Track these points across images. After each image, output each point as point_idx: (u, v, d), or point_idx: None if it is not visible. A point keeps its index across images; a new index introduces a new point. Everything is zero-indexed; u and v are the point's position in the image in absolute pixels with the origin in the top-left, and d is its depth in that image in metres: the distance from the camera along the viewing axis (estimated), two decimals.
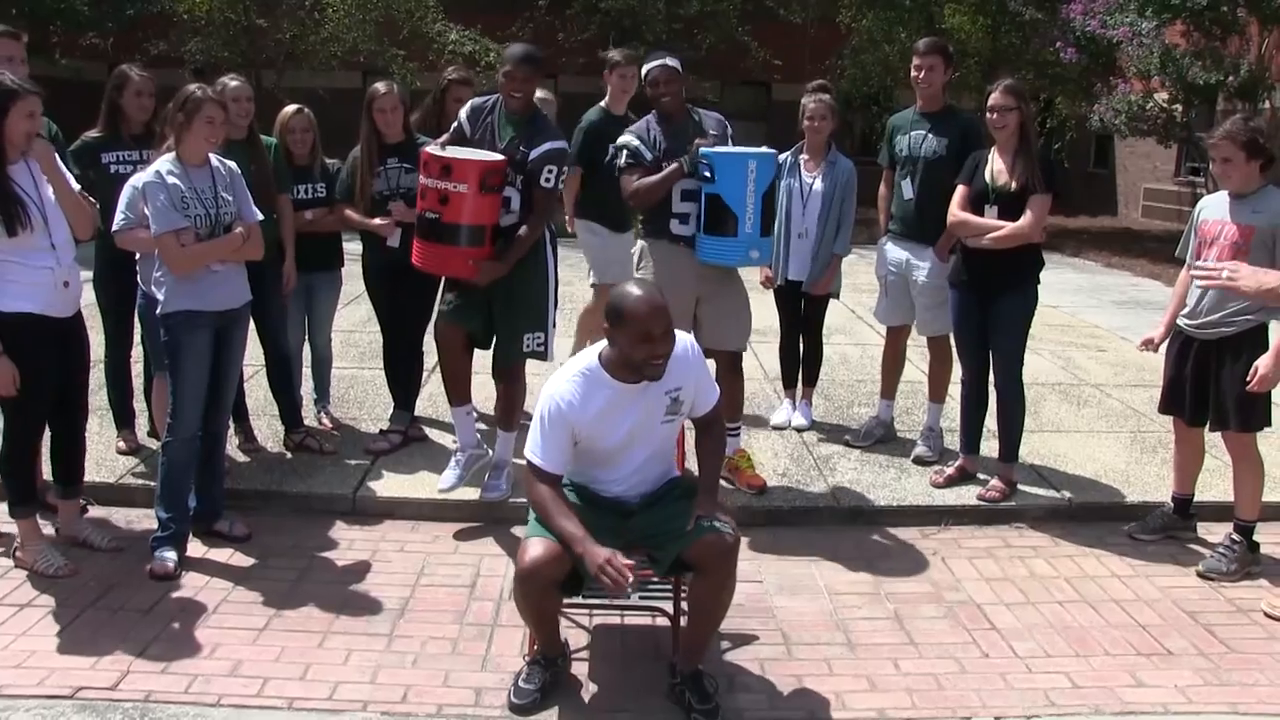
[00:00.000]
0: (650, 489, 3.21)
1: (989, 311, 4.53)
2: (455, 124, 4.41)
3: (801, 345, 5.55)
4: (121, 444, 4.85)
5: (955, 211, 4.51)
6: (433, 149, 4.17)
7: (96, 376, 4.76)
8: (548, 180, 4.21)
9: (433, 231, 4.12)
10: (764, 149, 4.41)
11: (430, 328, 4.83)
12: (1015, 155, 4.39)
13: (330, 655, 3.33)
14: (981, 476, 4.75)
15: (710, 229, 4.32)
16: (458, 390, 4.48)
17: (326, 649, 3.37)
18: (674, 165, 4.33)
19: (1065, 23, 14.20)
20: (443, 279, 4.46)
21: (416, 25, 16.10)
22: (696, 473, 3.28)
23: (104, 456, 4.76)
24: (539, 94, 4.98)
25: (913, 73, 4.94)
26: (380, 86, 4.85)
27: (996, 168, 4.44)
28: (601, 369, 2.99)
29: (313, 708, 3.04)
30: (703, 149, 4.28)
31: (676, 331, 3.24)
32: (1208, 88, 12.89)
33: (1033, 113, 4.61)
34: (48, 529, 3.99)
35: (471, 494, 4.46)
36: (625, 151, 4.41)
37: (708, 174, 4.26)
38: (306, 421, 5.16)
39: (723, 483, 4.60)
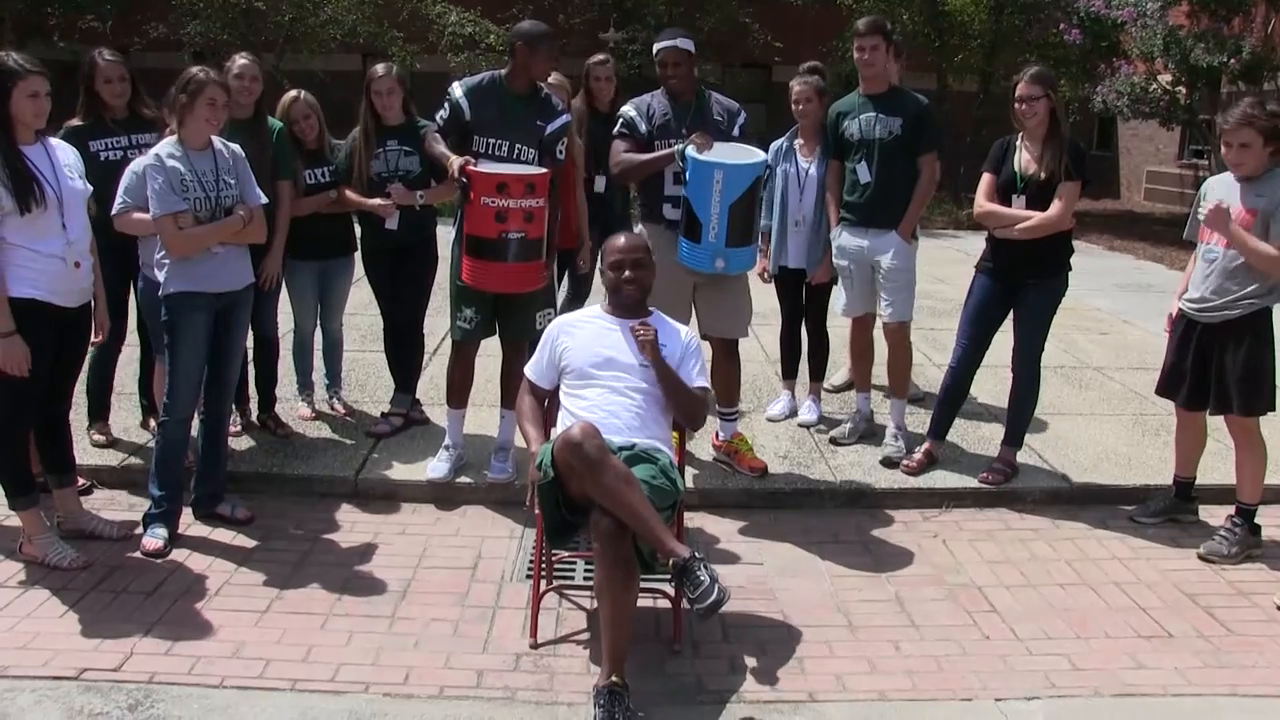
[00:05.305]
0: (624, 436, 3.27)
1: (1016, 299, 4.46)
2: (446, 108, 4.22)
3: (805, 338, 5.35)
4: (96, 435, 4.71)
5: (982, 202, 4.43)
6: (491, 167, 4.02)
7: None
8: (561, 152, 4.25)
9: (525, 250, 4.02)
10: (749, 160, 4.14)
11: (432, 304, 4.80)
12: (1044, 144, 4.29)
13: (332, 637, 3.34)
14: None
15: (684, 231, 4.26)
16: (460, 396, 4.52)
17: (329, 631, 3.38)
18: (667, 150, 4.24)
19: (1068, 4, 14.13)
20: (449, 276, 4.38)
21: (416, 7, 16.06)
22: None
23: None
24: (554, 78, 4.97)
25: (854, 54, 4.71)
26: (379, 69, 4.80)
27: (1024, 157, 4.34)
28: (600, 307, 3.65)
29: (315, 689, 3.06)
30: (686, 149, 4.11)
31: (678, 324, 3.63)
32: (1211, 70, 12.82)
33: (1061, 100, 4.50)
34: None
35: (474, 476, 4.48)
36: (621, 120, 4.42)
37: (687, 175, 4.14)
38: (318, 406, 5.22)
39: (723, 466, 4.64)
